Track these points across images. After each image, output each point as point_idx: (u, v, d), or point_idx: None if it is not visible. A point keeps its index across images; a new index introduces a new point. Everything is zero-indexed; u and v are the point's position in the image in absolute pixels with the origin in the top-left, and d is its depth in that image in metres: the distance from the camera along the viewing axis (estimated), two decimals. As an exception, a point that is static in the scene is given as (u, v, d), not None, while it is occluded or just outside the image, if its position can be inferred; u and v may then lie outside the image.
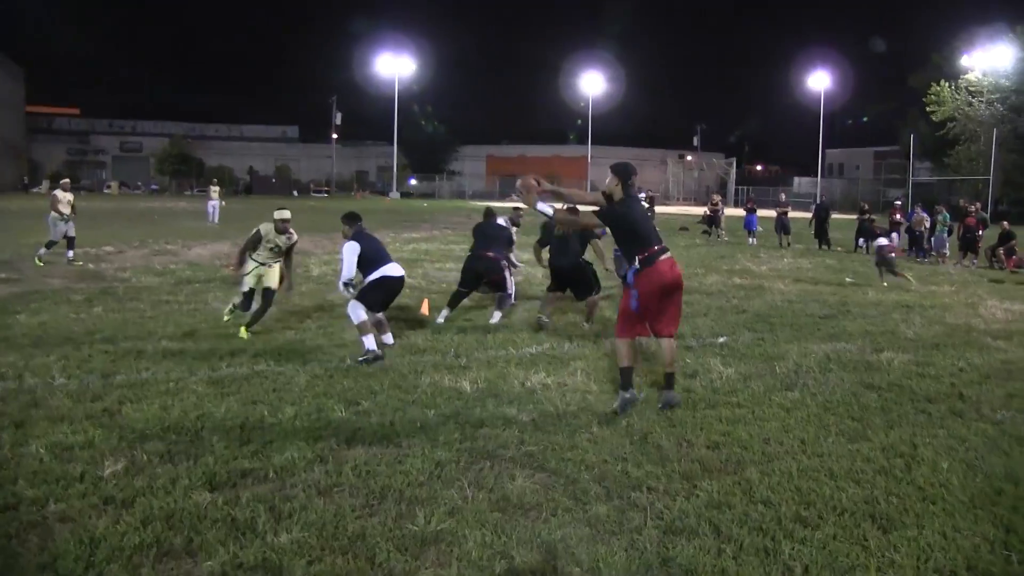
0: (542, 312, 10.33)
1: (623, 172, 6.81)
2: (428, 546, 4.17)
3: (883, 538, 4.36)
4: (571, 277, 10.16)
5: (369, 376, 7.53)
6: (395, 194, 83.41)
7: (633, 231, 6.67)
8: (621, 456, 5.53)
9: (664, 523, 4.48)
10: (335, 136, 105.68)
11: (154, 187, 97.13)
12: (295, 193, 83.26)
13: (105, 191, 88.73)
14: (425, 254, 20.18)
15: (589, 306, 10.33)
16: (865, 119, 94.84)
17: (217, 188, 35.13)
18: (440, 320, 10.46)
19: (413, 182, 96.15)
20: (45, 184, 79.10)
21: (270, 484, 4.93)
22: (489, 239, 10.98)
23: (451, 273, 15.98)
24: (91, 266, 16.11)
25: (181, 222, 33.30)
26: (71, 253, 16.51)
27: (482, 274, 10.75)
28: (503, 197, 72.45)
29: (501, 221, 11.51)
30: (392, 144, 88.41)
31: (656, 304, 6.60)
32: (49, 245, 16.36)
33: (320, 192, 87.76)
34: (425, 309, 11.14)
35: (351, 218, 8.99)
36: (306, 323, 10.26)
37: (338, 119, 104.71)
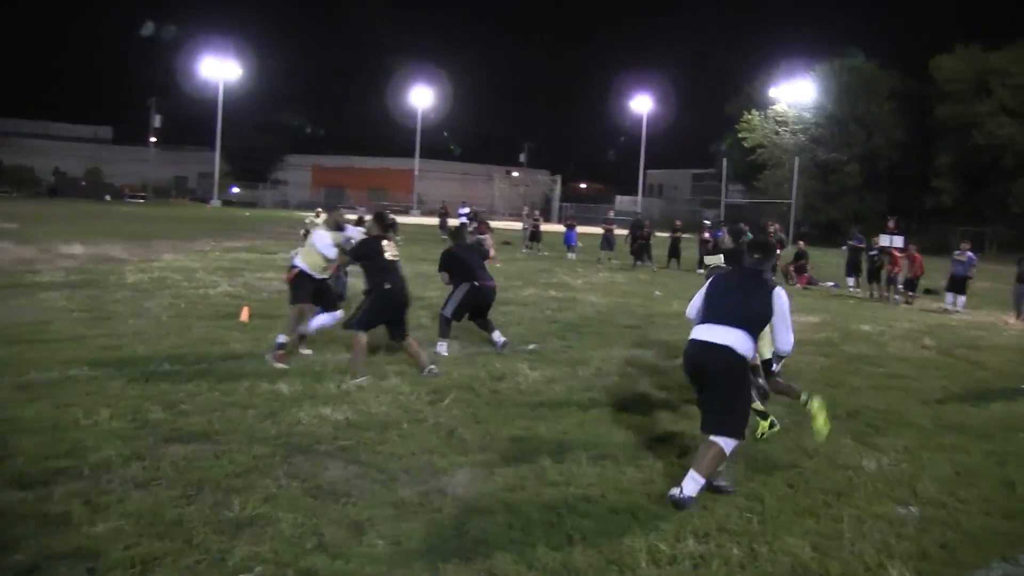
0: None
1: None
2: (244, 528, 4.48)
3: (654, 509, 5.04)
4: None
5: (188, 380, 7.66)
6: (216, 202, 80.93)
7: None
8: (428, 448, 5.99)
9: (463, 504, 4.97)
10: (153, 139, 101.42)
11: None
12: (107, 197, 79.23)
13: None
14: (246, 263, 19.98)
15: None
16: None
17: None
18: (444, 352, 9.68)
19: (235, 190, 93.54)
20: None
21: (85, 481, 5.06)
22: (480, 265, 10.17)
23: (272, 283, 15.99)
24: None
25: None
26: None
27: (488, 304, 10.19)
28: (328, 209, 71.68)
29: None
30: (214, 150, 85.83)
31: None
32: None
33: (136, 197, 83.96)
34: (245, 316, 11.24)
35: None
36: (122, 330, 10.15)
37: (157, 121, 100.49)
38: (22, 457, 5.38)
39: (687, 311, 5.91)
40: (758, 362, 6.92)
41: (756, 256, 5.68)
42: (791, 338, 5.65)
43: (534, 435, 6.49)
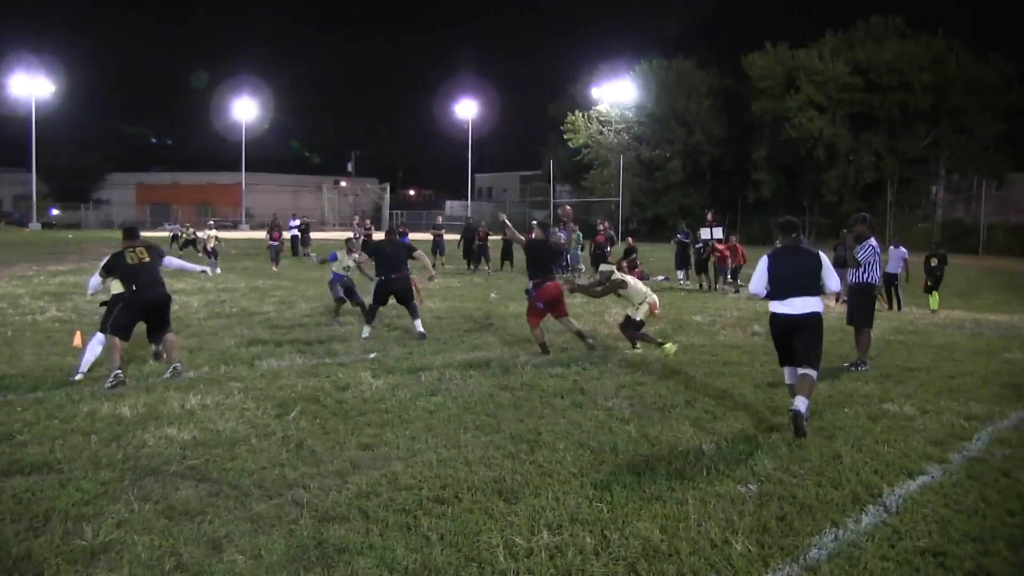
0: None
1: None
2: (98, 555, 4.37)
3: (507, 506, 5.19)
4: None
5: (23, 409, 7.31)
6: (35, 225, 75.93)
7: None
8: (279, 462, 5.98)
9: (319, 513, 5.01)
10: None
11: None
12: (-89, 225, 73.04)
13: None
14: (74, 287, 18.94)
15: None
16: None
17: None
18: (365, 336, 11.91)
19: (56, 212, 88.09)
20: None
21: (-81, 520, 4.80)
22: (397, 259, 12.19)
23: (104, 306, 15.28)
24: None
25: None
26: None
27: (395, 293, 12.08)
28: (155, 226, 68.76)
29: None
30: (29, 171, 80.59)
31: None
32: None
33: (-56, 223, 77.72)
34: (78, 341, 10.74)
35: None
36: (-57, 362, 9.52)
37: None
38: None
39: (752, 288, 7.65)
40: (637, 318, 10.87)
41: (793, 235, 7.66)
42: (837, 280, 7.55)
43: (383, 441, 6.56)
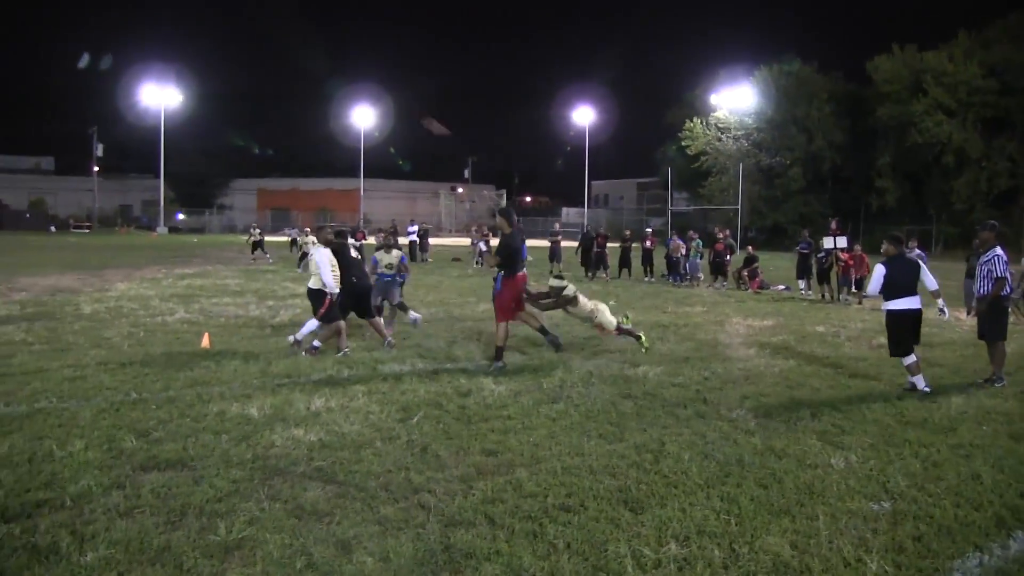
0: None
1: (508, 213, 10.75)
2: (232, 551, 4.46)
3: (633, 517, 5.09)
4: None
5: (158, 407, 7.57)
6: (162, 229, 79.53)
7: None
8: (404, 466, 6.01)
9: (445, 518, 5.00)
10: (96, 168, 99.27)
11: None
12: (52, 228, 77.38)
13: None
14: (200, 289, 19.70)
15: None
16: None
17: None
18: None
19: (181, 217, 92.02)
20: None
21: (68, 511, 5.00)
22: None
23: (228, 307, 15.86)
24: None
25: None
26: None
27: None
28: (275, 231, 70.99)
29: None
30: (158, 177, 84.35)
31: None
32: None
33: (81, 227, 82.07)
34: (206, 342, 11.11)
35: (895, 240, 9.65)
36: (84, 361, 9.96)
37: (99, 151, 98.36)
38: (2, 490, 5.29)
39: (870, 288, 9.33)
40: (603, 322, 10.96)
41: (902, 246, 9.60)
42: (934, 280, 9.51)
43: (506, 448, 6.53)
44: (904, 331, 9.21)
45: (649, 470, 6.04)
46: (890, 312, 9.30)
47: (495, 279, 10.74)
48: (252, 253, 34.09)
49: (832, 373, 10.18)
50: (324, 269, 10.57)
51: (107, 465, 5.88)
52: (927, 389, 8.97)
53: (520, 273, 10.57)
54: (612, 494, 5.48)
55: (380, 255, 13.04)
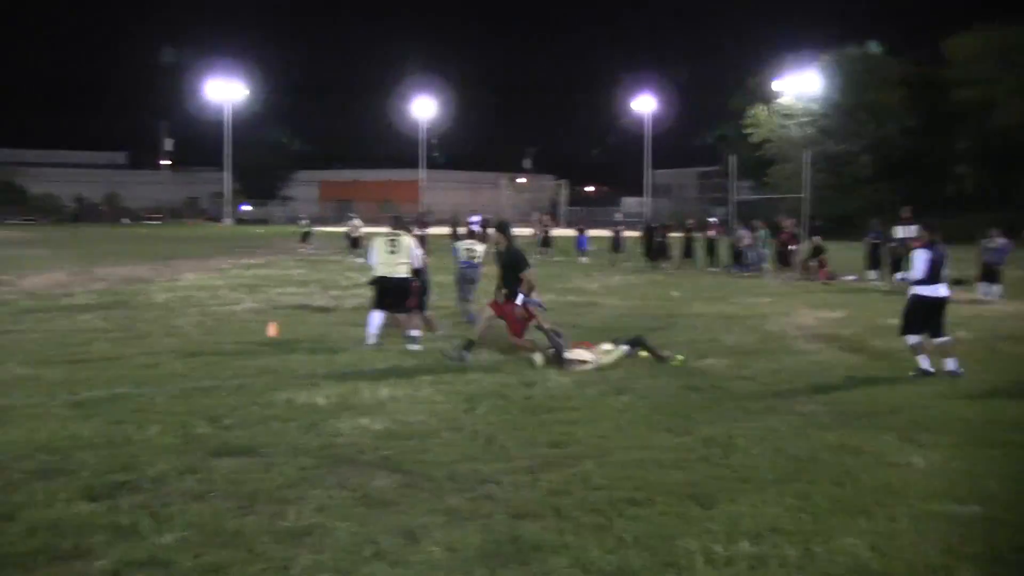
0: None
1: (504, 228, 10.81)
2: (302, 537, 4.57)
3: (702, 512, 5.02)
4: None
5: (228, 394, 7.77)
6: (229, 220, 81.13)
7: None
8: (470, 456, 6.07)
9: (511, 509, 5.02)
10: (165, 162, 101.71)
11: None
12: (126, 220, 79.54)
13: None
14: (266, 279, 20.12)
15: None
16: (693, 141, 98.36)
17: None
18: None
19: (246, 208, 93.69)
20: None
21: (146, 493, 5.16)
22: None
23: (293, 297, 16.16)
24: (-80, 297, 15.27)
25: (10, 252, 31.43)
26: None
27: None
28: (338, 223, 71.89)
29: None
30: (224, 170, 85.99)
31: None
32: None
33: (152, 219, 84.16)
34: (273, 331, 11.33)
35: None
36: (157, 348, 10.26)
37: (168, 144, 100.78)
38: (87, 471, 5.49)
39: (917, 272, 9.28)
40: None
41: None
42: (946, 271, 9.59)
43: (573, 439, 6.53)
44: (920, 315, 9.41)
45: (718, 464, 5.97)
46: (918, 296, 9.45)
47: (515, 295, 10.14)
48: (302, 243, 34.90)
49: (909, 367, 9.48)
50: (415, 255, 10.72)
51: (181, 450, 6.05)
52: (931, 370, 9.16)
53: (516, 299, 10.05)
54: (681, 488, 5.43)
55: (460, 244, 13.26)
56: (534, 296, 10.23)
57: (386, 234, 10.86)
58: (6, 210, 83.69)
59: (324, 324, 12.55)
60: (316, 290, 17.75)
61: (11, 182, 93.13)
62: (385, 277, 10.56)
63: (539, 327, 10.00)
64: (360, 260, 24.01)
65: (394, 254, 10.60)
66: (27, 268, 22.53)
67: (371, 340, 10.48)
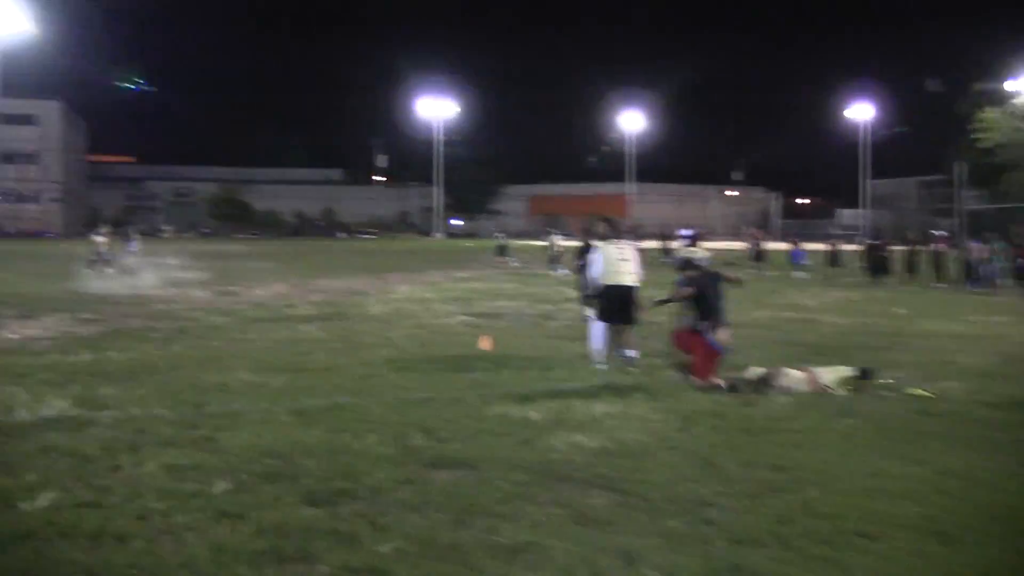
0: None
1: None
2: (518, 554, 4.58)
3: (945, 551, 4.63)
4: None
5: (442, 407, 7.98)
6: (439, 234, 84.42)
7: None
8: (688, 477, 5.90)
9: (732, 535, 4.83)
10: (379, 178, 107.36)
11: (206, 231, 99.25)
12: (342, 235, 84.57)
13: (160, 235, 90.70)
14: (477, 292, 20.73)
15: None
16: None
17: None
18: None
19: (456, 222, 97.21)
20: (106, 230, 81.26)
21: (364, 501, 5.37)
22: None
23: (505, 310, 16.53)
24: (163, 307, 16.84)
25: (238, 265, 34.20)
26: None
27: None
28: (543, 236, 73.09)
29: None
30: (434, 185, 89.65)
31: None
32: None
33: (366, 233, 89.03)
34: (486, 344, 11.57)
35: None
36: (374, 359, 10.74)
37: (382, 161, 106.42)
38: (309, 477, 5.79)
39: None
40: None
41: None
42: None
43: (795, 464, 6.23)
44: None
45: (960, 498, 5.49)
46: None
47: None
48: (498, 257, 35.77)
49: None
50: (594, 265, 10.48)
51: (398, 460, 6.26)
52: None
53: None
54: (917, 523, 5.03)
55: (682, 251, 13.06)
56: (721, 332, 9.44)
57: (613, 242, 10.62)
58: (233, 226, 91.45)
59: (536, 337, 12.73)
60: (527, 303, 18.08)
61: (238, 199, 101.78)
62: (617, 286, 10.26)
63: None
64: (563, 272, 24.26)
65: (625, 261, 10.35)
66: (253, 280, 24.44)
67: (599, 358, 10.32)
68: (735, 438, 6.97)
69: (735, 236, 44.24)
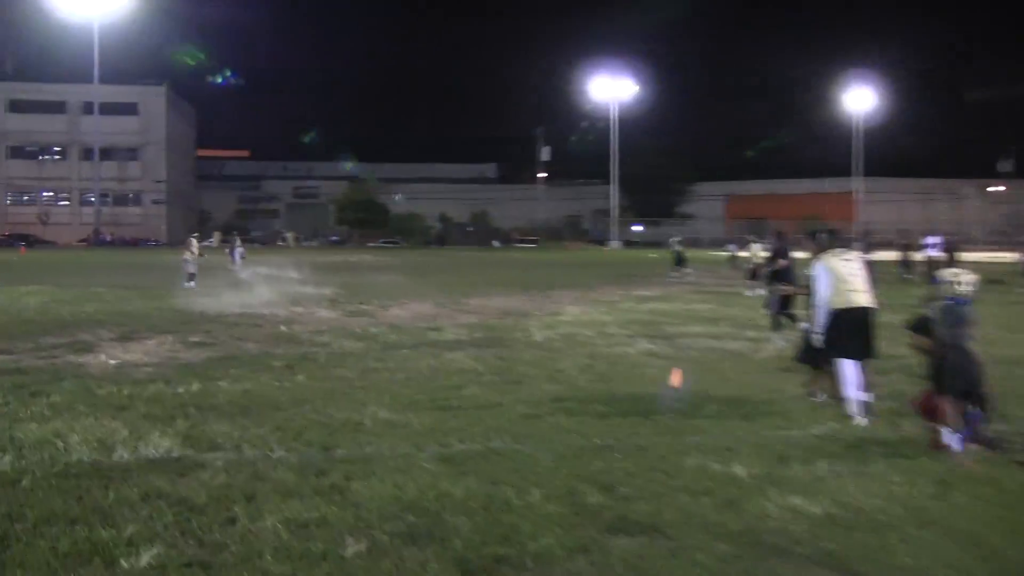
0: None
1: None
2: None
3: None
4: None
5: (624, 457, 7.91)
6: (616, 243, 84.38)
7: None
8: (947, 562, 5.60)
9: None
10: (541, 174, 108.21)
11: (333, 238, 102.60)
12: (496, 243, 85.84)
13: (280, 244, 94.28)
14: (665, 315, 20.55)
15: None
16: None
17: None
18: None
19: (637, 228, 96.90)
20: (216, 237, 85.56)
21: (529, 573, 5.37)
22: None
23: (700, 339, 16.27)
24: (284, 328, 17.53)
25: (372, 279, 35.26)
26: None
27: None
28: (735, 244, 71.85)
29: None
30: (610, 183, 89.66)
31: None
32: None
33: (526, 242, 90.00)
34: (676, 381, 11.41)
35: None
36: (538, 396, 10.79)
37: (545, 154, 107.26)
38: (459, 540, 5.84)
39: None
40: None
41: None
42: None
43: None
44: None
45: None
46: None
47: None
48: (676, 268, 35.73)
49: None
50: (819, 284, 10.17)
51: (569, 522, 6.23)
52: None
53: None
54: None
55: (946, 273, 12.49)
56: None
57: (838, 252, 10.33)
58: (366, 232, 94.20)
59: (740, 373, 12.45)
60: (728, 329, 17.78)
61: (372, 200, 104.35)
62: (853, 308, 9.91)
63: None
64: (758, 292, 23.73)
65: (856, 277, 10.03)
66: (390, 298, 25.13)
67: (859, 409, 9.69)
68: (1012, 514, 6.59)
69: (1004, 244, 41.88)
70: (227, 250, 44.63)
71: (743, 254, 34.59)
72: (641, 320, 19.44)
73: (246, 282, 28.38)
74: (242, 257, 41.27)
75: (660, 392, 10.17)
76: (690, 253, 42.34)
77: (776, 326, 15.37)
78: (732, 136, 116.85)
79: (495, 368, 12.73)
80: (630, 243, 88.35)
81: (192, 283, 28.25)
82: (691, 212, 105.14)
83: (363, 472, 7.38)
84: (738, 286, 30.24)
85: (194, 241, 30.66)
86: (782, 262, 16.67)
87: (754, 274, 28.34)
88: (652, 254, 63.37)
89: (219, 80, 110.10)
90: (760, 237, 36.62)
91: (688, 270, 37.02)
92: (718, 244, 50.88)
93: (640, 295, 27.00)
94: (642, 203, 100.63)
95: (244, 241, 29.23)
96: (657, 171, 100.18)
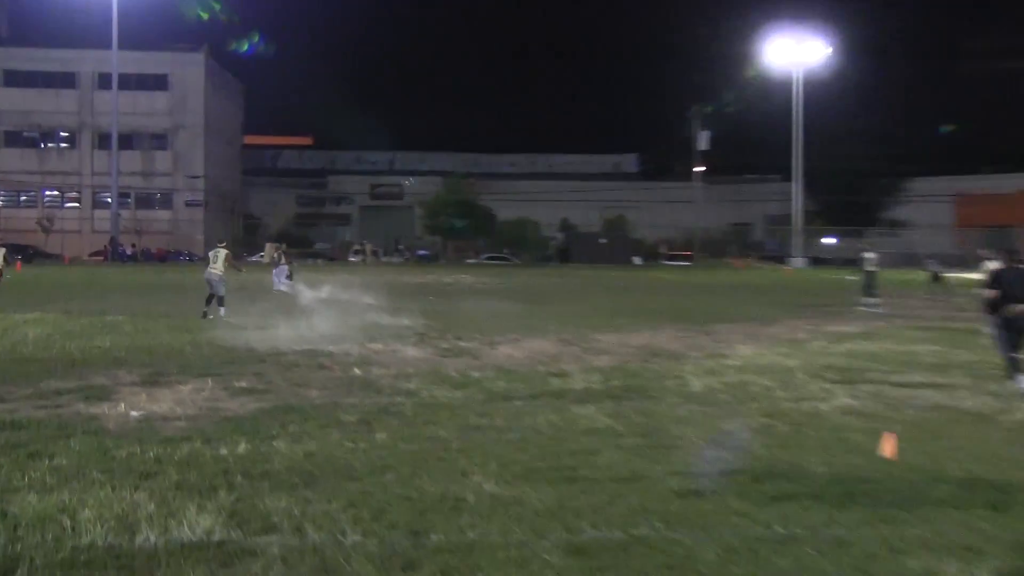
0: None
1: None
2: None
3: None
4: None
5: (818, 555, 7.69)
6: (800, 260, 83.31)
7: None
8: None
9: None
10: (698, 169, 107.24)
11: (422, 252, 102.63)
12: (637, 260, 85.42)
13: (352, 259, 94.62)
14: (871, 358, 20.13)
15: None
16: None
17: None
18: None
19: (829, 241, 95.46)
20: (269, 251, 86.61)
21: None
22: None
23: (923, 391, 15.88)
24: (358, 371, 17.59)
25: (472, 306, 35.35)
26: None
27: None
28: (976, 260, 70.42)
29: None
30: (792, 180, 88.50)
31: None
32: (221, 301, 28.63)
33: (676, 258, 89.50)
34: (889, 450, 11.12)
35: None
36: (697, 466, 10.59)
37: (703, 141, 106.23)
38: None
39: None
40: None
41: None
42: None
43: None
44: None
45: None
46: None
47: None
48: (869, 293, 35.34)
49: None
50: None
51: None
52: None
53: None
54: None
55: None
56: None
57: None
58: (464, 244, 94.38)
59: (981, 442, 12.06)
60: (962, 379, 17.31)
61: (473, 201, 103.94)
62: None
63: None
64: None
65: None
66: (497, 331, 25.10)
67: None
68: None
69: None
70: (274, 268, 44.12)
71: (955, 275, 33.71)
72: (838, 365, 19.06)
73: (307, 309, 28.62)
74: (289, 278, 40.33)
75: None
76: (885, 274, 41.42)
77: (1017, 368, 14.94)
78: (965, 115, 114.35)
79: (637, 429, 12.55)
80: (819, 260, 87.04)
81: (223, 309, 28.65)
82: (903, 218, 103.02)
83: (465, 566, 7.31)
84: (973, 320, 29.62)
85: (221, 253, 29.95)
86: (988, 292, 16.39)
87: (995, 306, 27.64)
88: (851, 276, 62.35)
89: (270, 48, 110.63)
90: (997, 252, 35.71)
91: (875, 299, 35.82)
92: (948, 263, 49.42)
93: (836, 331, 26.51)
94: (834, 206, 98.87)
95: (302, 255, 28.77)
96: (856, 164, 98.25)
